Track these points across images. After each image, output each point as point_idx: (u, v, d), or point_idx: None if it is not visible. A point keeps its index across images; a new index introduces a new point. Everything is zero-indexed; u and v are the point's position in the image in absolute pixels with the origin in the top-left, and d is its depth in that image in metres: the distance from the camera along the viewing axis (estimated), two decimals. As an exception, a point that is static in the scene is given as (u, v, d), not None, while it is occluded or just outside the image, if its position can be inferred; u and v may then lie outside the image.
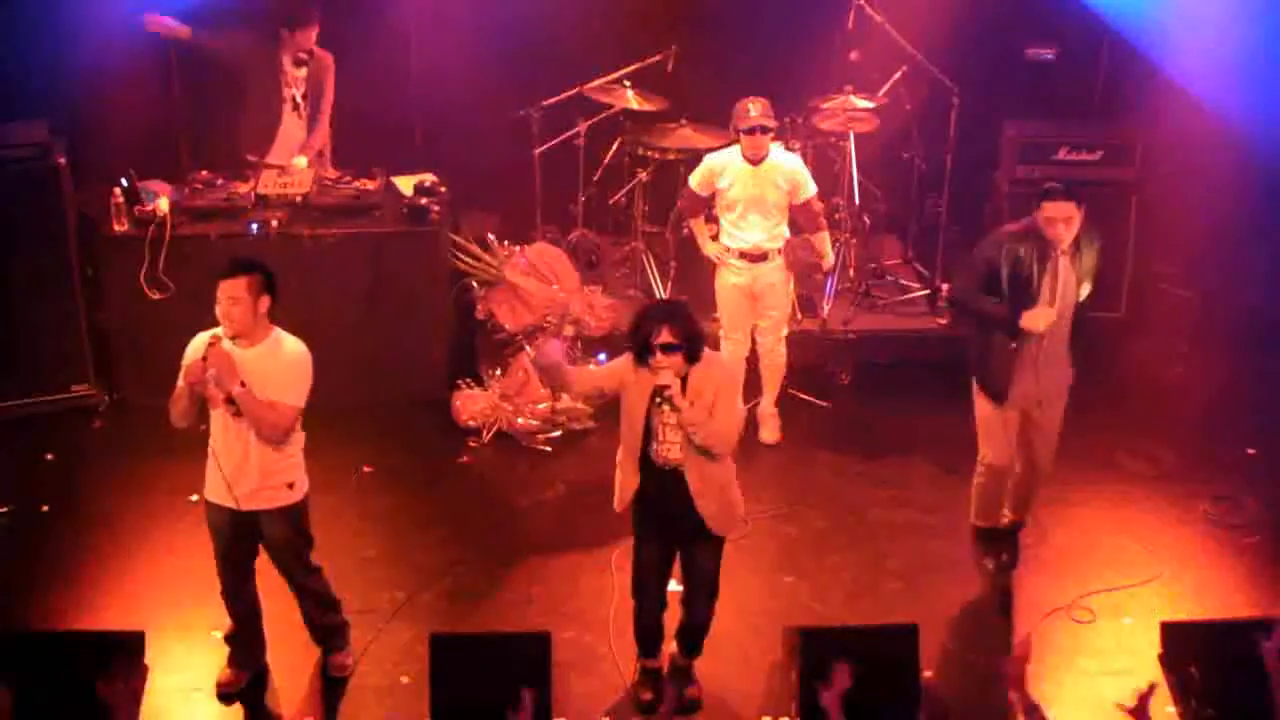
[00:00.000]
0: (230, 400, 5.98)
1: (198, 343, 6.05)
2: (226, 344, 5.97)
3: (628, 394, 6.01)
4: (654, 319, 5.85)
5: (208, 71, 9.14)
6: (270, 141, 8.91)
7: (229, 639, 6.50)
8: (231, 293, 5.95)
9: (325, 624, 6.52)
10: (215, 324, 6.01)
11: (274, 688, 6.51)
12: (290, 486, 6.20)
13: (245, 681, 6.49)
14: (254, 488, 6.13)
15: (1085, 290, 6.76)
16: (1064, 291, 6.68)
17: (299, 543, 6.33)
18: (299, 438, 6.21)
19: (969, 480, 7.98)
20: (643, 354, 5.87)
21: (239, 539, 6.26)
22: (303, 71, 8.86)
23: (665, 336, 5.79)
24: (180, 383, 6.03)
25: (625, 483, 6.14)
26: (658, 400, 5.88)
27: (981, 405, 7.04)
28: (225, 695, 6.42)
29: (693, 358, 5.88)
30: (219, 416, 6.07)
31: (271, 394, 6.02)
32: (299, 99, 8.89)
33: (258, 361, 6.02)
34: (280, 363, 6.08)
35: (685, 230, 9.16)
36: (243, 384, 5.95)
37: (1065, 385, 6.98)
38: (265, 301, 6.04)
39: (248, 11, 8.98)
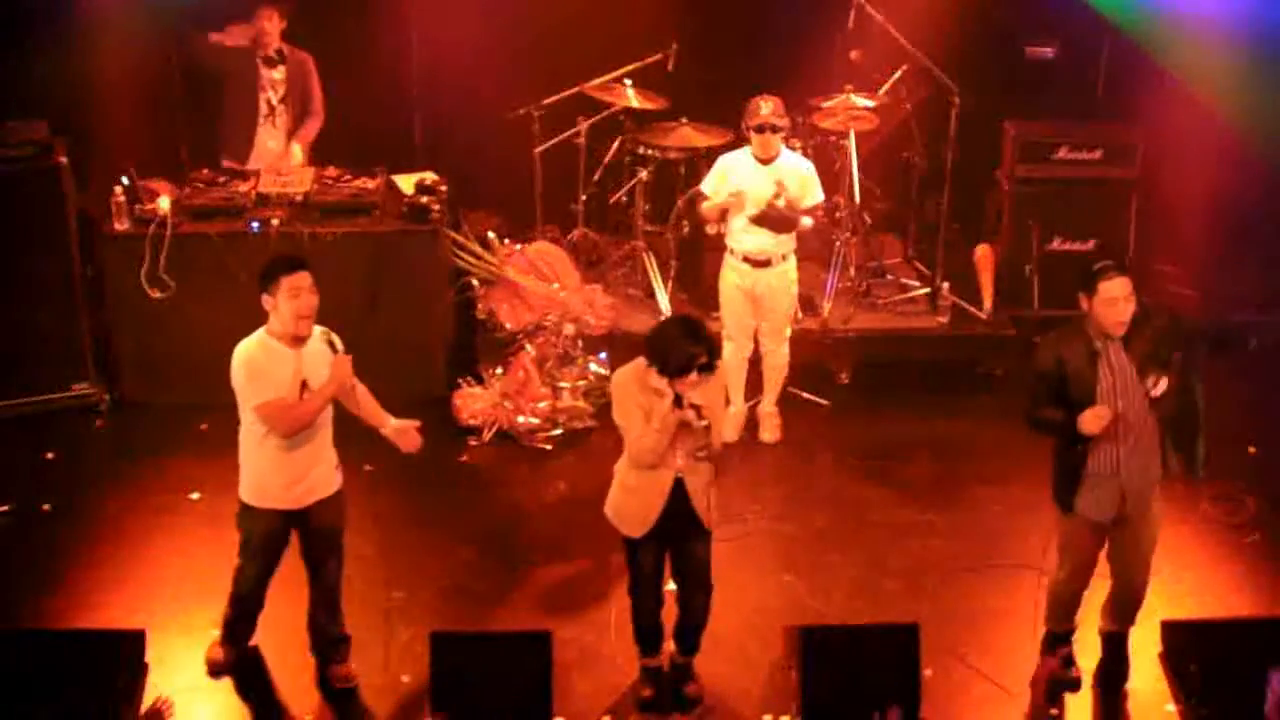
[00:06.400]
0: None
1: (277, 348, 5.99)
2: (278, 347, 6.01)
3: (652, 413, 5.98)
4: (692, 340, 5.84)
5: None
6: (249, 148, 8.92)
7: (226, 621, 6.50)
8: (310, 282, 5.95)
9: (332, 633, 6.46)
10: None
11: (273, 687, 6.52)
12: (337, 467, 6.29)
13: (236, 660, 6.51)
14: (317, 479, 6.17)
15: (1160, 384, 5.93)
16: (1123, 386, 5.97)
17: (343, 527, 6.36)
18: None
19: (969, 479, 8.03)
20: (680, 370, 5.85)
21: (284, 541, 6.27)
22: (278, 74, 8.86)
23: (704, 358, 5.83)
24: (324, 392, 6.02)
25: (652, 502, 6.09)
26: (697, 419, 5.86)
27: (1058, 516, 6.32)
28: (216, 673, 6.47)
29: None
30: None
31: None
32: (274, 103, 8.90)
33: (320, 356, 6.07)
34: (340, 346, 6.13)
35: (685, 229, 9.18)
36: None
37: (1149, 497, 6.19)
38: None
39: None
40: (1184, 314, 6.05)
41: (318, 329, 6.10)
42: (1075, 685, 6.54)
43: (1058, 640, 6.56)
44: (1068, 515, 6.22)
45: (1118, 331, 5.92)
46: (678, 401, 5.86)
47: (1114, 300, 5.88)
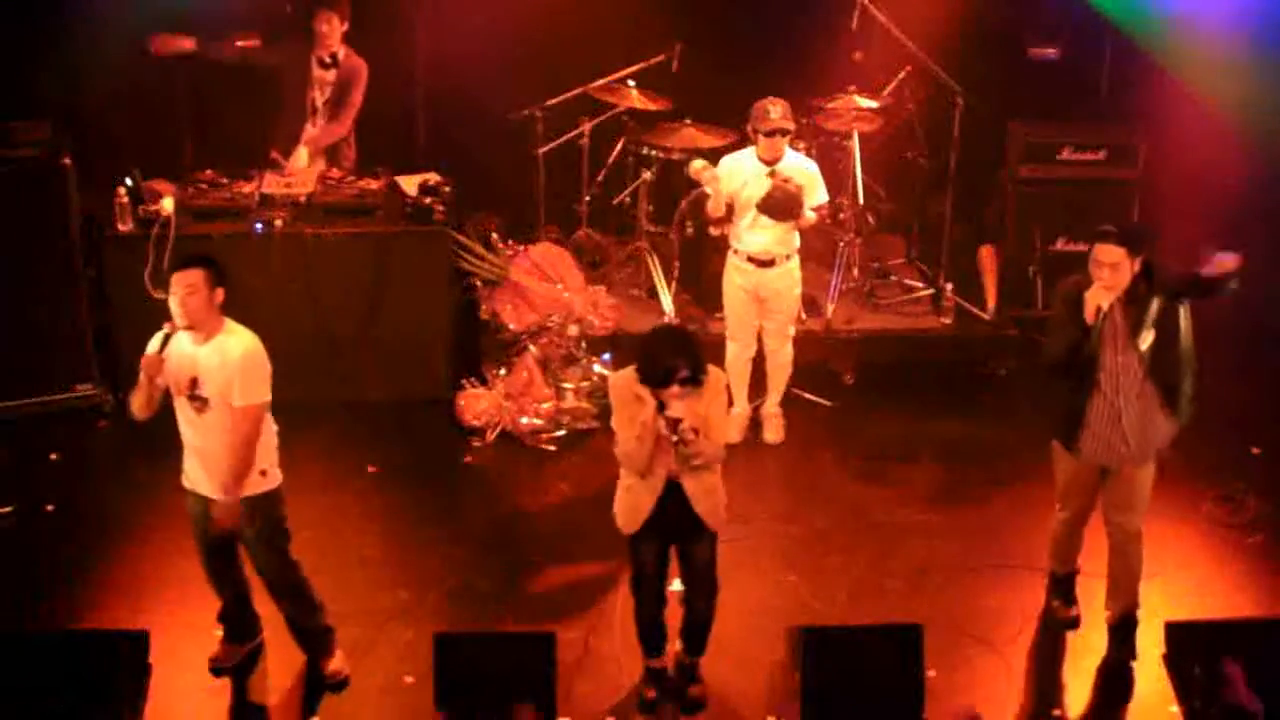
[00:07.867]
0: (193, 395, 6.02)
1: (157, 337, 6.08)
2: (182, 336, 6.02)
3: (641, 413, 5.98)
4: (672, 353, 5.82)
5: (212, 71, 9.18)
6: (296, 144, 8.95)
7: (221, 617, 6.53)
8: (189, 281, 5.98)
9: (311, 628, 6.45)
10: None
11: (276, 687, 6.52)
12: (263, 474, 6.16)
13: (239, 658, 6.53)
14: (207, 474, 6.13)
15: (1146, 339, 6.20)
16: (1123, 343, 6.23)
17: (272, 534, 6.23)
18: (269, 424, 6.17)
19: (972, 480, 8.02)
20: (659, 382, 5.84)
21: (208, 525, 6.25)
22: (330, 74, 8.89)
23: (684, 372, 5.79)
24: (141, 376, 6.05)
25: (642, 501, 6.10)
26: (671, 433, 5.85)
27: (1057, 455, 6.59)
28: (217, 670, 6.49)
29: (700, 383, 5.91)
30: (184, 406, 6.08)
31: (232, 396, 6.00)
32: (319, 103, 8.92)
33: (209, 358, 6.02)
34: (229, 359, 6.01)
35: (689, 230, 9.18)
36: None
37: (1152, 445, 6.42)
38: (220, 293, 6.05)
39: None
40: (1162, 268, 6.26)
41: (238, 331, 6.12)
42: (1074, 624, 6.83)
43: (1060, 582, 6.89)
44: (1071, 455, 6.45)
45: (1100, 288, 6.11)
46: (664, 410, 5.84)
47: (1096, 263, 6.11)
